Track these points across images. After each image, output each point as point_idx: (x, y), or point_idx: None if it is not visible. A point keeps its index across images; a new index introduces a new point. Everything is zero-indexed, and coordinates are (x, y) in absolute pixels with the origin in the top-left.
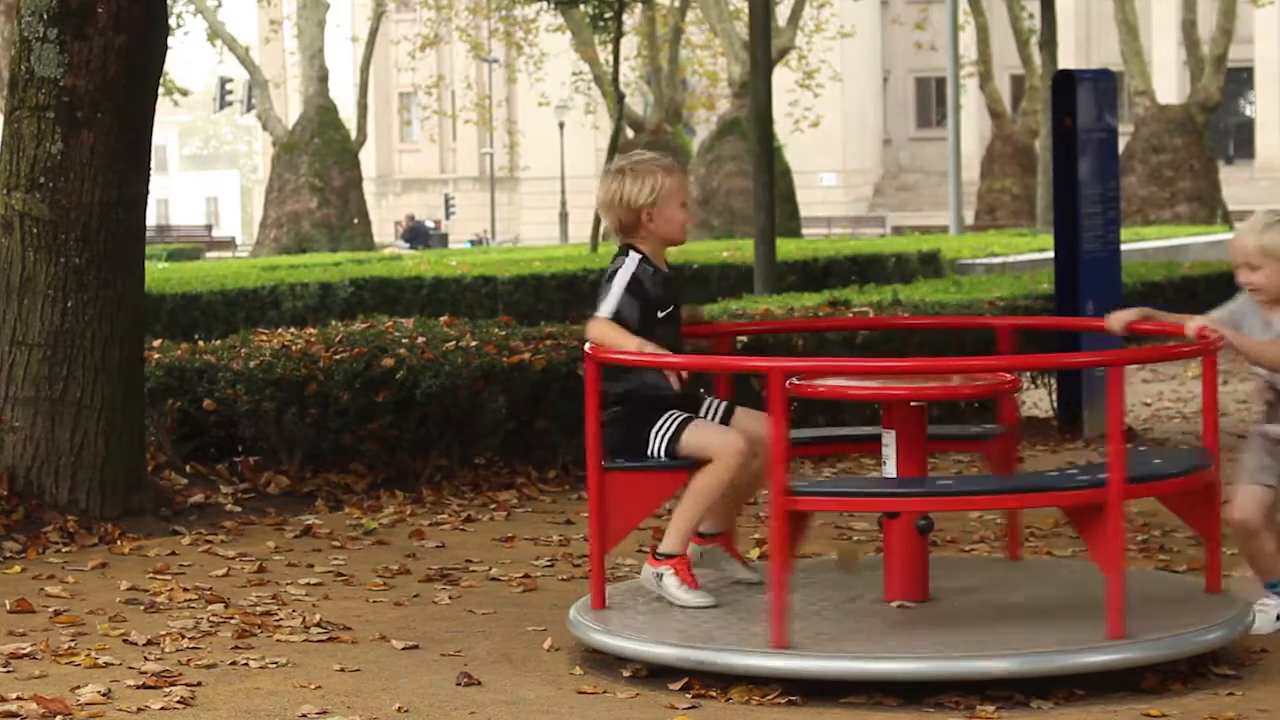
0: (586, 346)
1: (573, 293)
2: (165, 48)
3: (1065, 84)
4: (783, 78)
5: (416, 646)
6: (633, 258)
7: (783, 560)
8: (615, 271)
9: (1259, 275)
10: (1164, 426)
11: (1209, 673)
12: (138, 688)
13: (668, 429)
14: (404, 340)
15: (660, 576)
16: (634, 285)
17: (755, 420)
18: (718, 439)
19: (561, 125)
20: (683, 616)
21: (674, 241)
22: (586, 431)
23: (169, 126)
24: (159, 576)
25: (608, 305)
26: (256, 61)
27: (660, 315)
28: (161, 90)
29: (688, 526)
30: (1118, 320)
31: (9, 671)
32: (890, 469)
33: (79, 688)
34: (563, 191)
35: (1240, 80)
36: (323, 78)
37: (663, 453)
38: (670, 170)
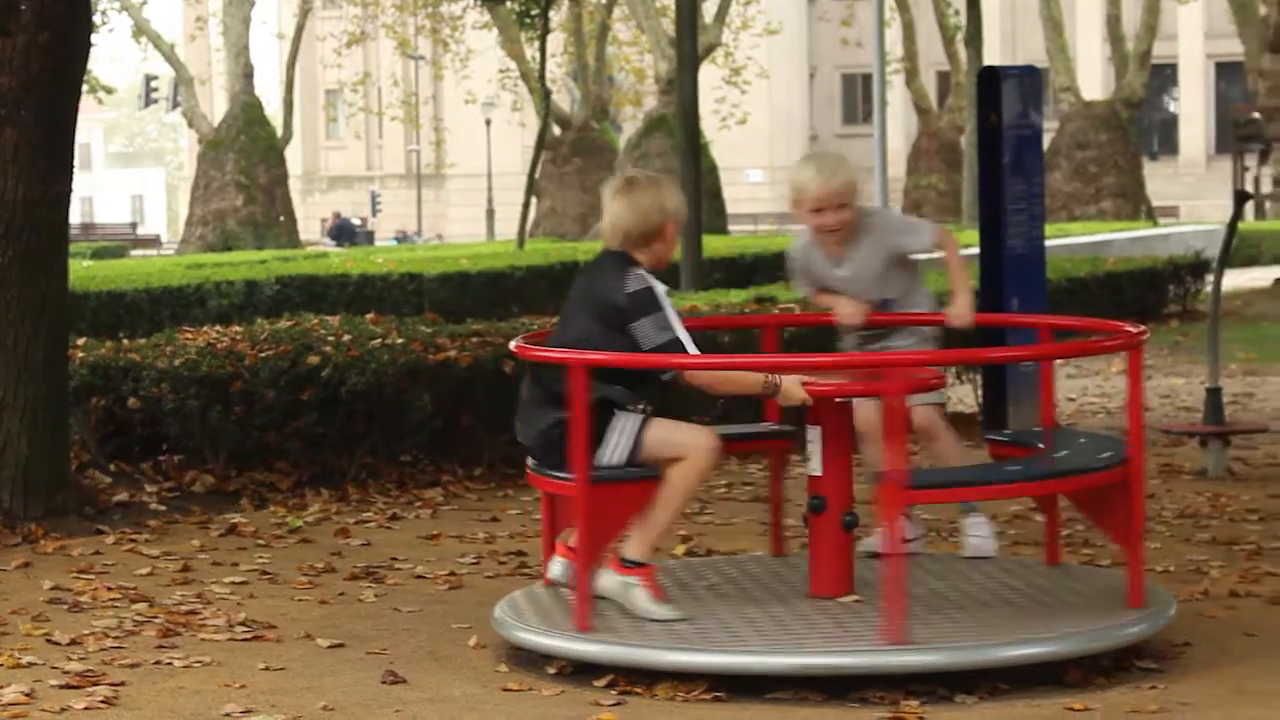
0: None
1: (499, 290)
2: (89, 45)
3: (990, 80)
4: (709, 74)
5: (342, 645)
6: (649, 276)
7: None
8: (647, 291)
9: (846, 212)
10: (1088, 421)
11: (1132, 666)
12: (61, 688)
13: (630, 430)
14: (330, 338)
15: (628, 586)
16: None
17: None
18: (687, 435)
19: (488, 122)
20: (606, 613)
21: (665, 263)
22: (574, 443)
23: (93, 124)
24: (83, 576)
25: (685, 337)
26: (182, 58)
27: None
28: (85, 87)
29: (659, 532)
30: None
31: None
32: (815, 465)
33: (1, 688)
34: (489, 189)
35: (1164, 76)
36: (248, 75)
37: (624, 456)
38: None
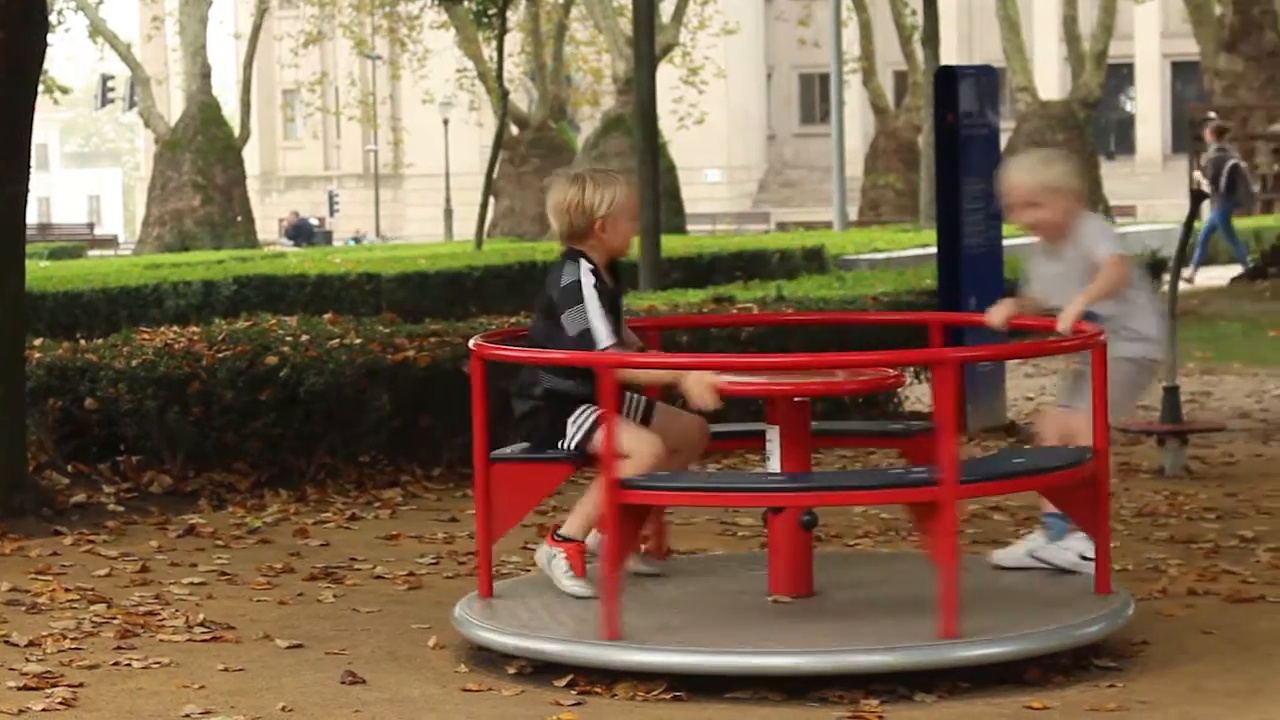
0: (471, 344)
1: (457, 290)
2: (45, 44)
3: (947, 80)
4: (667, 74)
5: (301, 645)
6: (585, 269)
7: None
8: (575, 284)
9: (1043, 212)
10: None
11: (1090, 664)
12: (19, 689)
13: (583, 422)
14: (288, 338)
15: (553, 558)
16: (601, 300)
17: (676, 417)
18: (632, 441)
19: (446, 122)
20: (567, 613)
21: (619, 253)
22: (474, 423)
23: (50, 124)
24: (40, 577)
25: (600, 329)
26: (138, 58)
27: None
28: (42, 87)
29: (591, 514)
30: (998, 315)
31: None
32: (774, 464)
33: None
34: (447, 189)
35: (1121, 76)
36: (205, 74)
37: (574, 445)
38: (627, 184)
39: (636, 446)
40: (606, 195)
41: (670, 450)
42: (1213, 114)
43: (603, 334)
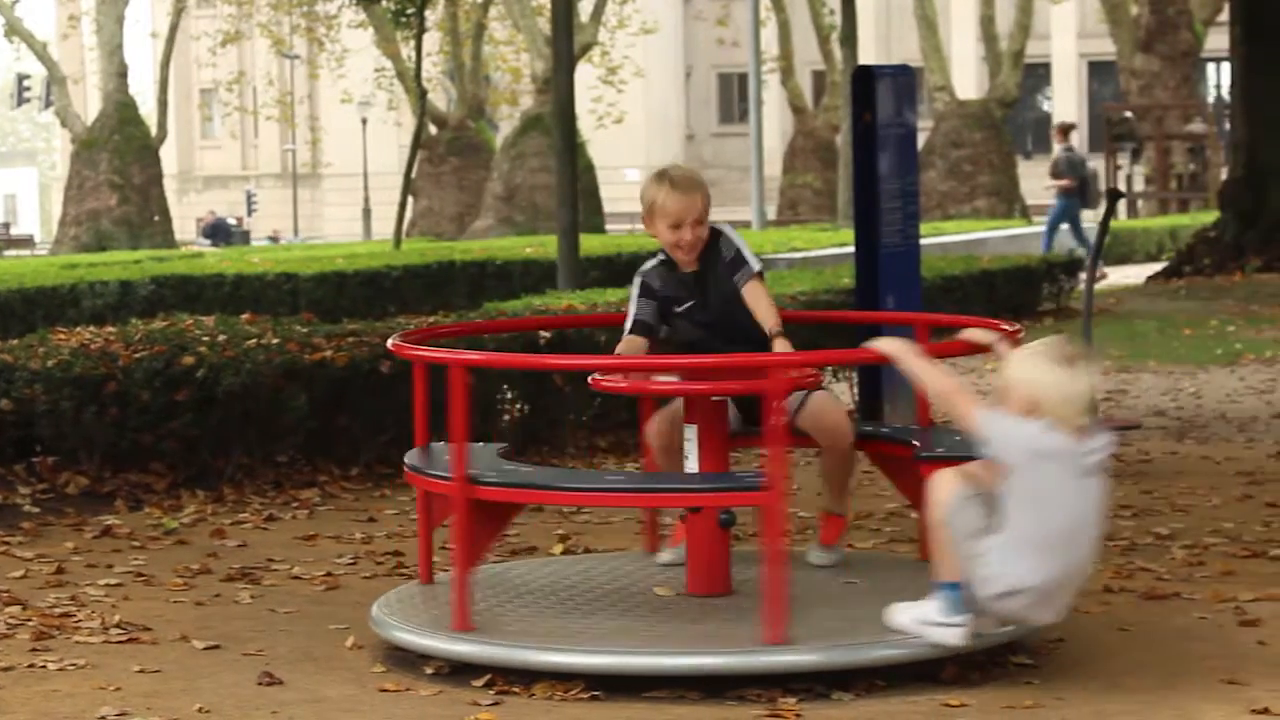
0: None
1: (375, 289)
2: None
3: (864, 80)
4: (586, 74)
5: (218, 646)
6: (647, 265)
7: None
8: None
9: None
10: None
11: (1007, 662)
12: None
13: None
14: (205, 338)
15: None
16: (645, 290)
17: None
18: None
19: (364, 121)
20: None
21: (676, 252)
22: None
23: None
24: None
25: (628, 326)
26: (55, 57)
27: (678, 310)
28: None
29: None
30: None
31: None
32: (692, 464)
33: None
34: (365, 188)
35: (1038, 76)
36: (122, 74)
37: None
38: (671, 192)
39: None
40: (646, 196)
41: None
42: (1129, 113)
43: (626, 328)
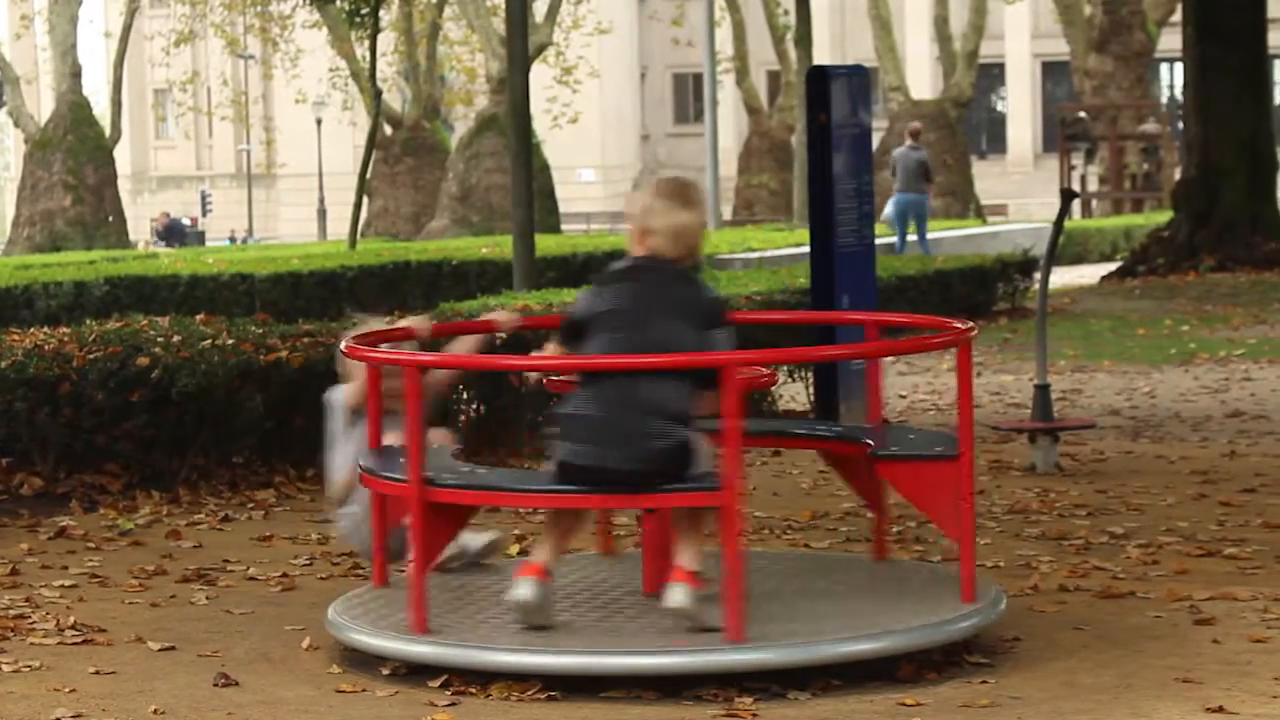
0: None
1: (331, 290)
2: None
3: (819, 80)
4: (541, 74)
5: (173, 648)
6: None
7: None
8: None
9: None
10: (920, 418)
11: (963, 661)
12: None
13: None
14: (159, 339)
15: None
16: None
17: None
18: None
19: (319, 122)
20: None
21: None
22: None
23: None
24: None
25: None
26: (7, 57)
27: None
28: None
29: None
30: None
31: None
32: None
33: None
34: (320, 188)
35: (992, 76)
36: (76, 74)
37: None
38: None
39: None
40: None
41: None
42: (1083, 113)
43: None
